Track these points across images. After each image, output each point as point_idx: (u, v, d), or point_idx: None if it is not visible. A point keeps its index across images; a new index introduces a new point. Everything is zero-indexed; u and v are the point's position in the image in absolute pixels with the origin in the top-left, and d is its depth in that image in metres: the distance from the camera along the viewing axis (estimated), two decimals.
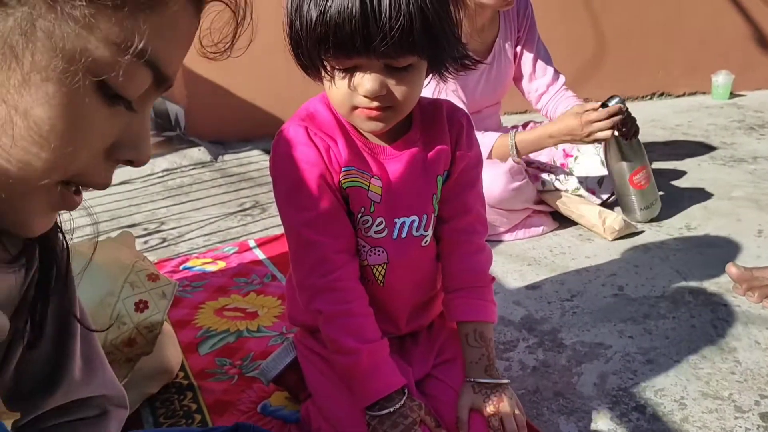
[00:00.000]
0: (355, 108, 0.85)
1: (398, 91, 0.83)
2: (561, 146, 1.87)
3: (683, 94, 3.60)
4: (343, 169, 0.91)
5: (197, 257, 1.70)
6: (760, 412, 1.07)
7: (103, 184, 0.51)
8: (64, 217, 0.60)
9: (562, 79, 1.95)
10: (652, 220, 1.84)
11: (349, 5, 0.76)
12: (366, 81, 0.82)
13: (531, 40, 1.90)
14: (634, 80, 3.46)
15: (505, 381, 0.97)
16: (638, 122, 1.78)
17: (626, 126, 1.72)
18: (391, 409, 0.89)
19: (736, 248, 1.69)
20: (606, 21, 3.30)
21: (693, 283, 1.50)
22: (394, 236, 0.95)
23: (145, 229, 1.90)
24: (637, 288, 1.49)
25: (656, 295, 1.46)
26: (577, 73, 3.12)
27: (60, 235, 0.60)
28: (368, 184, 0.92)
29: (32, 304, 0.60)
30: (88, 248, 0.85)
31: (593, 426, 1.06)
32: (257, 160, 2.56)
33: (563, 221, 1.84)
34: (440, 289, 1.05)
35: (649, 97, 3.56)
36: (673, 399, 1.12)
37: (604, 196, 1.89)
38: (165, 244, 1.81)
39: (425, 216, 0.96)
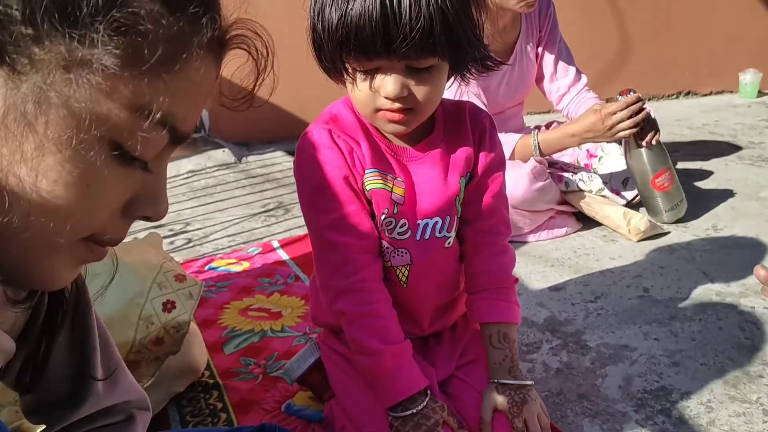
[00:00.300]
0: (378, 110, 0.86)
1: (420, 92, 0.84)
2: (585, 146, 1.86)
3: (710, 93, 3.54)
4: (366, 171, 0.92)
5: (222, 258, 1.72)
6: None
7: (118, 240, 0.50)
8: None
9: (584, 79, 1.93)
10: (678, 221, 1.82)
11: (370, 7, 0.77)
12: (387, 83, 0.82)
13: (553, 41, 1.89)
14: (660, 79, 3.42)
15: (529, 382, 0.96)
16: (664, 122, 1.77)
17: (645, 128, 1.71)
18: (414, 410, 0.89)
19: (764, 249, 1.66)
20: (631, 20, 3.26)
21: (720, 285, 1.48)
22: (418, 238, 0.95)
23: (171, 230, 1.93)
24: (662, 290, 1.48)
25: (682, 297, 1.44)
26: (601, 73, 3.09)
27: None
28: (391, 186, 0.93)
29: (37, 341, 0.60)
30: (117, 249, 0.86)
31: (618, 428, 1.05)
32: (280, 161, 2.57)
33: (587, 222, 1.83)
34: (463, 290, 1.05)
35: (674, 96, 3.51)
36: (699, 402, 1.10)
37: (629, 197, 1.87)
38: (190, 244, 1.83)
39: (448, 217, 0.96)
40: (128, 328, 0.98)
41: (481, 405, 0.95)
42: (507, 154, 1.70)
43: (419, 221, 0.95)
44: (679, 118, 3.03)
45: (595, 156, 1.88)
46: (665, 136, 1.80)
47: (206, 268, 1.66)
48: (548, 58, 1.90)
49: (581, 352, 1.26)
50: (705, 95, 3.54)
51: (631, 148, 1.77)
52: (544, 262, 1.64)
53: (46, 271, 0.48)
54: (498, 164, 0.99)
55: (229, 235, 1.89)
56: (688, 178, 2.13)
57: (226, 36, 0.48)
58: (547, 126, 2.03)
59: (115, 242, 0.50)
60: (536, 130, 1.82)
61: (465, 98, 1.52)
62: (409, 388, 0.90)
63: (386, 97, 0.83)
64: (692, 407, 1.09)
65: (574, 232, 1.80)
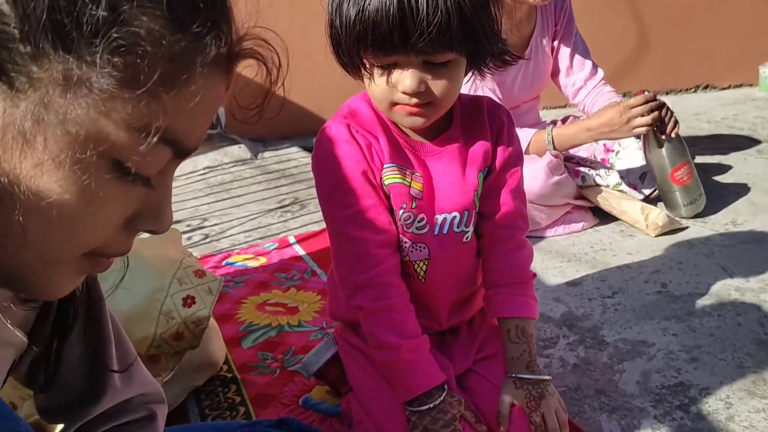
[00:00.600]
0: (395, 104, 0.87)
1: (437, 86, 0.84)
2: (602, 141, 1.84)
3: (729, 87, 3.50)
4: (384, 166, 0.92)
5: (239, 253, 1.74)
6: None
7: (122, 252, 0.49)
8: None
9: (600, 73, 1.92)
10: (696, 216, 1.81)
11: (387, 3, 0.77)
12: (405, 78, 0.83)
13: (569, 34, 1.88)
14: (678, 73, 3.38)
15: (547, 377, 0.96)
16: (682, 116, 1.75)
17: (664, 121, 1.70)
18: (431, 405, 0.90)
19: None
20: (648, 12, 3.22)
21: (739, 281, 1.47)
22: (436, 232, 0.96)
23: (188, 226, 1.95)
24: (681, 285, 1.47)
25: (701, 293, 1.43)
26: (618, 67, 3.06)
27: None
28: (410, 180, 0.93)
29: (49, 338, 0.61)
30: (137, 244, 0.87)
31: (636, 424, 1.05)
32: (296, 157, 2.58)
33: (604, 217, 1.82)
34: (480, 285, 1.05)
35: (693, 90, 3.47)
36: (718, 398, 1.10)
37: (647, 192, 1.86)
38: (207, 240, 1.85)
39: (466, 212, 0.96)
40: (149, 322, 0.99)
41: (497, 397, 0.95)
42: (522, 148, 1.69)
43: (437, 216, 0.95)
44: (697, 112, 3.00)
45: (612, 151, 1.86)
46: (683, 130, 1.78)
47: (223, 263, 1.67)
48: (564, 52, 1.89)
49: (599, 347, 1.25)
50: (724, 89, 3.49)
51: (649, 142, 1.75)
52: (560, 257, 1.64)
53: (47, 283, 0.47)
54: (516, 159, 0.99)
55: (246, 231, 1.90)
56: (707, 172, 2.11)
57: (236, 49, 0.47)
58: (564, 120, 2.01)
59: (120, 254, 0.49)
60: (551, 125, 1.81)
61: (480, 93, 1.52)
62: (427, 382, 0.91)
63: (403, 92, 0.84)
64: (711, 403, 1.08)
65: (591, 227, 1.79)
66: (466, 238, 0.98)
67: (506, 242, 0.99)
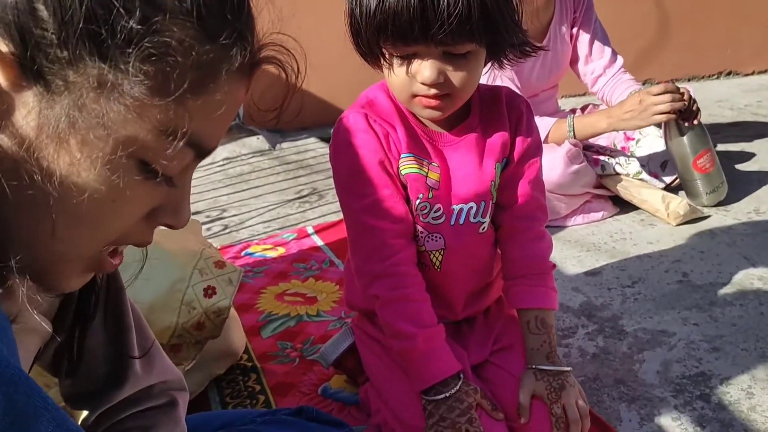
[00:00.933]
0: (414, 95, 0.86)
1: (456, 77, 0.84)
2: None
3: (752, 73, 3.43)
4: (402, 156, 0.92)
5: (258, 243, 1.75)
6: None
7: (143, 243, 0.51)
8: None
9: (620, 60, 1.89)
10: (718, 204, 1.78)
11: None
12: (424, 68, 0.83)
13: (588, 21, 1.85)
14: (700, 59, 3.32)
15: (567, 368, 0.96)
16: (704, 103, 1.72)
17: (686, 108, 1.67)
18: (447, 394, 0.90)
19: None
20: None
21: (761, 270, 1.45)
22: (452, 222, 0.95)
23: (208, 216, 1.96)
24: (702, 274, 1.45)
25: (722, 282, 1.41)
26: (638, 54, 3.02)
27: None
28: (427, 170, 0.93)
29: (71, 326, 0.63)
30: (159, 236, 0.88)
31: (656, 414, 1.04)
32: (314, 147, 2.59)
33: (624, 206, 1.80)
34: (497, 276, 1.05)
35: (715, 76, 3.41)
36: (740, 388, 1.09)
37: (668, 180, 1.83)
38: (227, 230, 1.86)
39: (483, 203, 0.96)
40: (171, 312, 1.00)
41: (517, 390, 0.95)
42: (541, 138, 1.68)
43: (454, 206, 0.95)
44: (719, 99, 2.95)
45: (633, 139, 1.84)
46: (705, 117, 1.75)
47: (242, 254, 1.69)
48: (583, 39, 1.87)
49: (618, 337, 1.25)
50: (747, 75, 3.43)
51: (671, 129, 1.73)
52: (579, 246, 1.63)
53: (59, 278, 0.50)
54: (535, 150, 0.98)
55: (265, 221, 1.91)
56: (729, 160, 2.08)
57: (257, 57, 0.49)
58: (583, 109, 2.00)
59: (139, 245, 0.52)
60: (572, 114, 1.79)
61: (498, 82, 1.51)
62: (443, 371, 0.91)
63: (422, 83, 0.84)
64: (732, 393, 1.08)
65: (611, 216, 1.78)
66: (483, 228, 0.98)
67: (525, 233, 0.99)
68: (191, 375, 1.05)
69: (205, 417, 0.92)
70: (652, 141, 1.81)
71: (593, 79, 1.91)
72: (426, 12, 0.77)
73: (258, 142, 2.60)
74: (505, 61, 0.90)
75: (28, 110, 0.42)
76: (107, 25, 0.40)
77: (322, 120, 2.69)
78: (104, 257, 0.50)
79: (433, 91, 0.84)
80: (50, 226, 0.44)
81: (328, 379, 1.16)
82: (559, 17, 1.82)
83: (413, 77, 0.84)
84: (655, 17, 3.19)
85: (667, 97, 1.62)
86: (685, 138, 1.72)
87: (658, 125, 1.76)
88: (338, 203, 0.99)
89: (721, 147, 2.22)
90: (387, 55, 0.85)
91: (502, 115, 0.96)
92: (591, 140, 1.84)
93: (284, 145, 2.63)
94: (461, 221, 0.96)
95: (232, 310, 1.17)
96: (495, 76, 1.51)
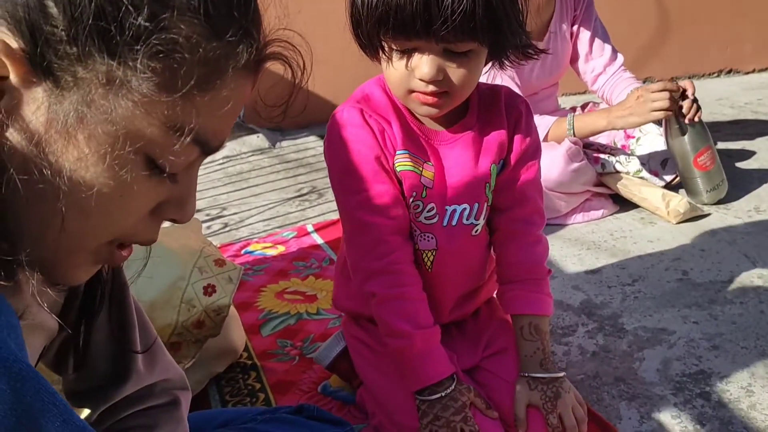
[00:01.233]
0: (411, 91, 0.85)
1: (456, 75, 0.83)
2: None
3: (753, 71, 3.43)
4: (397, 153, 0.91)
5: (257, 242, 1.75)
6: None
7: (149, 240, 0.52)
8: None
9: (620, 58, 1.89)
10: (718, 202, 1.78)
11: None
12: (423, 64, 0.81)
13: (588, 19, 1.85)
14: (700, 57, 3.32)
15: (561, 374, 0.95)
16: (704, 101, 1.72)
17: (687, 105, 1.67)
18: (442, 394, 0.90)
19: None
20: None
21: (762, 268, 1.45)
22: (444, 223, 0.94)
23: (208, 215, 1.96)
24: (702, 272, 1.45)
25: (723, 280, 1.41)
26: (639, 52, 3.01)
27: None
28: (421, 169, 0.92)
29: (76, 322, 0.63)
30: (159, 234, 0.88)
31: (656, 412, 1.04)
32: (313, 146, 2.59)
33: (624, 204, 1.80)
34: (488, 279, 1.04)
35: (716, 74, 3.41)
36: (739, 386, 1.09)
37: (668, 178, 1.83)
38: (227, 229, 1.86)
39: (477, 204, 0.95)
40: (171, 310, 1.00)
41: (511, 393, 0.94)
42: (541, 135, 1.68)
43: (447, 207, 0.94)
44: (720, 97, 2.95)
45: (633, 137, 1.84)
46: (706, 115, 1.75)
47: (242, 252, 1.69)
48: (583, 37, 1.87)
49: (618, 335, 1.25)
50: (748, 73, 3.43)
51: (671, 127, 1.73)
52: (579, 244, 1.63)
53: (67, 270, 0.50)
54: (533, 151, 0.97)
55: (265, 220, 1.91)
56: (730, 158, 2.08)
57: (264, 53, 0.49)
58: (583, 107, 1.99)
59: (144, 243, 0.52)
60: (572, 113, 1.78)
61: (498, 80, 1.50)
62: (438, 373, 0.91)
63: (421, 79, 0.82)
64: (732, 391, 1.07)
65: (611, 214, 1.78)
66: (476, 231, 0.96)
67: (522, 237, 0.98)
68: (191, 373, 1.05)
69: (205, 415, 0.92)
70: (652, 139, 1.81)
71: (593, 77, 1.91)
72: (429, 7, 0.76)
73: (258, 140, 2.60)
74: (506, 62, 0.89)
75: (38, 106, 0.42)
76: (116, 22, 0.41)
77: (322, 118, 2.68)
78: (113, 250, 0.51)
79: (430, 87, 0.83)
80: (60, 219, 0.45)
81: (328, 378, 1.16)
82: (559, 15, 1.82)
83: (412, 72, 0.83)
84: (656, 15, 3.19)
85: (666, 94, 1.62)
86: (685, 136, 1.72)
87: (659, 123, 1.75)
88: None
89: (721, 145, 2.22)
90: (386, 48, 0.83)
91: (500, 115, 0.95)
92: (591, 138, 1.84)
93: (284, 143, 2.63)
94: (454, 222, 0.95)
95: (232, 309, 1.17)
96: (495, 74, 1.50)
